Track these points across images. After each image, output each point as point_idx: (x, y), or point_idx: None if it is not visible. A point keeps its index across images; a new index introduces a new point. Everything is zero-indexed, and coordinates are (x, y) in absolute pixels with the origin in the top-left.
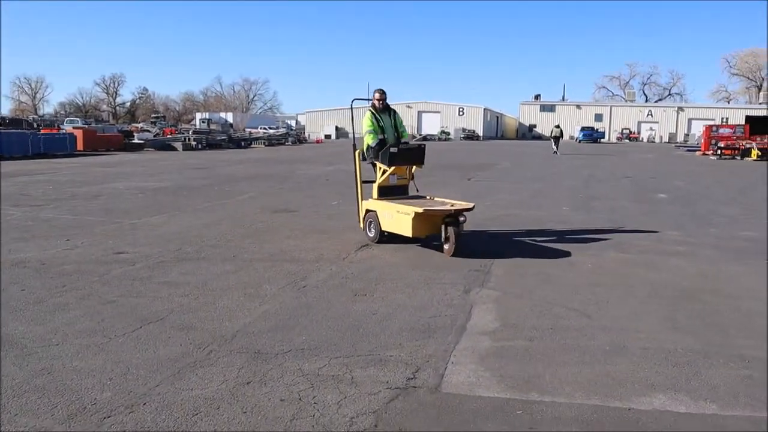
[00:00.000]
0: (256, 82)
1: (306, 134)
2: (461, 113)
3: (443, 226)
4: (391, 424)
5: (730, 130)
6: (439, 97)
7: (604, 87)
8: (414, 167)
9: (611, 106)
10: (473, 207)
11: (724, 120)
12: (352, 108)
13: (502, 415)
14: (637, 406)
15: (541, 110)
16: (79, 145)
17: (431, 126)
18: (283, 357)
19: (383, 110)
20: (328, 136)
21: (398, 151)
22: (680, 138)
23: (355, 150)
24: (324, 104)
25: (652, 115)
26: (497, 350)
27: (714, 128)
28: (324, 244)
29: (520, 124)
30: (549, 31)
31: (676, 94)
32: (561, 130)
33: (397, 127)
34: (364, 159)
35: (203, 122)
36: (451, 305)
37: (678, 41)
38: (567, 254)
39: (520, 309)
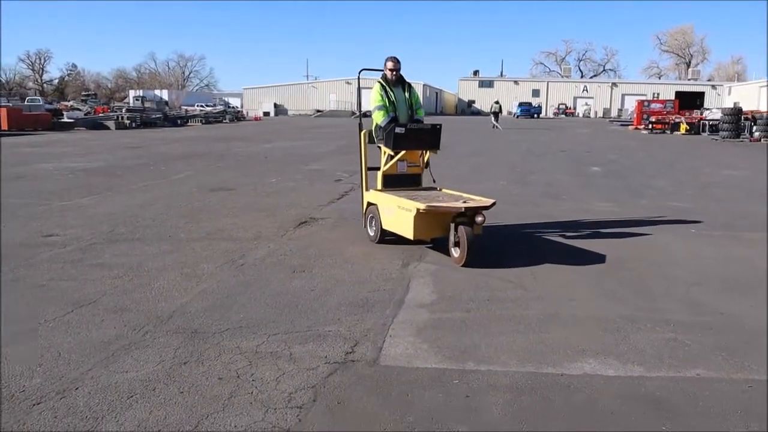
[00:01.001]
0: (191, 59)
1: (244, 112)
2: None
3: (453, 227)
4: (330, 397)
5: (661, 105)
6: (378, 74)
7: (541, 63)
8: (427, 152)
9: (548, 82)
10: (493, 204)
11: (656, 95)
12: (359, 79)
13: (439, 384)
14: (569, 371)
15: (479, 86)
16: (3, 125)
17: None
18: (220, 336)
19: (396, 83)
20: (266, 114)
21: (405, 131)
22: (614, 113)
23: (360, 130)
24: (262, 81)
25: (587, 90)
26: (434, 322)
27: (646, 103)
28: (262, 222)
29: (459, 99)
30: (487, 6)
31: (610, 70)
32: (500, 106)
33: (413, 104)
34: (372, 141)
35: (137, 100)
36: (390, 279)
37: (612, 18)
38: (503, 227)
39: (457, 282)
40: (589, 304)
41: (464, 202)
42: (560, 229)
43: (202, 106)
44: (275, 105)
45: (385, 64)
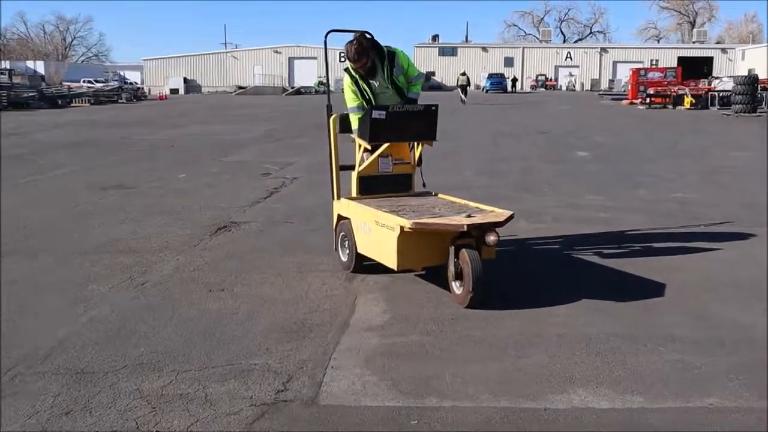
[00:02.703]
0: (74, 22)
1: (145, 89)
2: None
3: (453, 251)
4: None
5: (661, 75)
6: (314, 40)
7: (514, 25)
8: (420, 144)
9: (523, 48)
10: (511, 217)
11: (654, 62)
12: (326, 46)
13: (395, 426)
14: (554, 404)
15: (440, 54)
16: None
17: (306, 76)
18: (115, 375)
19: (370, 71)
20: (174, 91)
21: (387, 116)
22: (604, 84)
23: (329, 114)
24: (168, 50)
25: (571, 58)
26: (387, 348)
27: (642, 72)
28: (170, 229)
29: None
30: None
31: (598, 32)
32: (468, 78)
33: (395, 81)
34: (345, 130)
35: (2, 74)
36: (331, 296)
37: None
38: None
39: (414, 297)
40: (576, 320)
41: (468, 215)
42: (541, 230)
43: (90, 81)
44: (185, 80)
45: (347, 55)
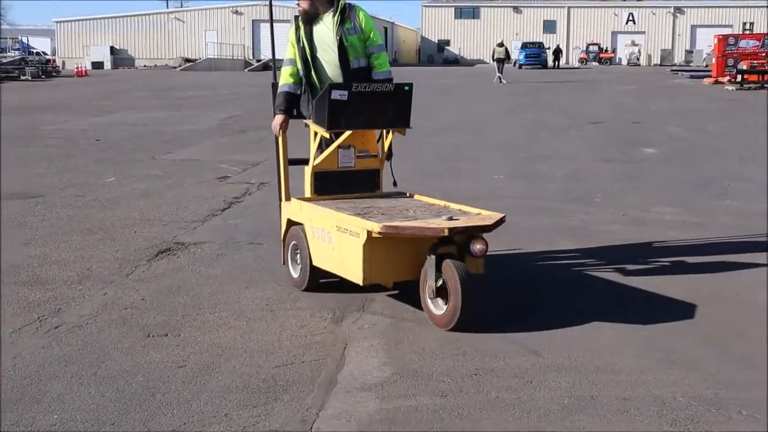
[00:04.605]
0: None
1: (58, 62)
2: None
3: (433, 262)
4: None
5: (757, 43)
6: None
7: None
8: (390, 133)
9: (569, 8)
10: (501, 221)
11: (748, 27)
12: (271, 6)
13: None
14: None
15: (457, 16)
16: None
17: (276, 46)
18: None
19: (315, 18)
20: (98, 65)
21: (350, 96)
22: (679, 57)
23: (275, 91)
24: (88, 10)
25: (634, 21)
26: (389, 415)
27: (731, 40)
28: (93, 252)
29: (424, 39)
30: None
31: None
32: (506, 50)
33: (344, 45)
34: (297, 115)
35: None
36: (312, 344)
37: None
38: (500, 254)
39: (424, 345)
40: (643, 377)
41: (450, 218)
42: (596, 255)
43: None
44: (112, 50)
45: None
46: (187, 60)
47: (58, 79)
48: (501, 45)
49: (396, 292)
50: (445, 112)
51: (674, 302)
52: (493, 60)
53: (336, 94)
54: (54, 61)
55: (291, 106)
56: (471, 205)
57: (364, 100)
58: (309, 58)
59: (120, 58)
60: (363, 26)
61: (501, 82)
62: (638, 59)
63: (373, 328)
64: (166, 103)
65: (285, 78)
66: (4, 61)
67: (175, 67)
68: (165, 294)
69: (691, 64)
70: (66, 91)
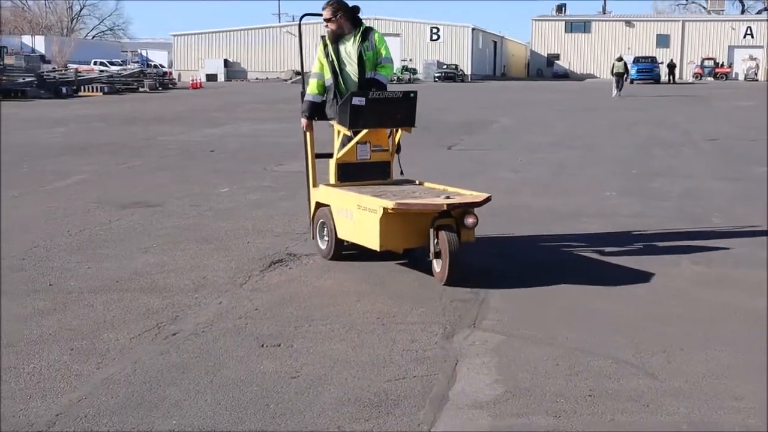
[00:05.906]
0: None
1: (175, 74)
2: (435, 37)
3: (433, 232)
4: None
5: None
6: (399, 12)
7: None
8: (398, 131)
9: (683, 21)
10: (488, 199)
11: None
12: (300, 29)
13: None
14: None
15: (567, 30)
16: None
17: None
18: None
19: (341, 38)
20: (211, 77)
21: (367, 102)
22: None
23: (303, 98)
24: (203, 24)
25: (752, 34)
26: None
27: None
28: (208, 261)
29: (533, 53)
30: None
31: None
32: (625, 64)
33: (363, 60)
34: (322, 117)
35: None
36: (424, 359)
37: None
38: (612, 271)
39: (536, 363)
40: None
41: (447, 197)
42: (707, 272)
43: (103, 64)
44: (226, 63)
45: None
46: (297, 73)
47: (174, 91)
48: (620, 59)
49: (504, 311)
50: (550, 125)
51: None
52: (612, 74)
53: (356, 100)
54: (170, 73)
55: (313, 114)
56: (574, 226)
57: (379, 104)
58: (338, 71)
59: (233, 70)
60: (376, 43)
61: (619, 94)
62: (756, 74)
63: (485, 345)
64: (278, 115)
65: (312, 89)
66: (125, 73)
67: (285, 80)
68: (278, 304)
69: None
70: (181, 102)
